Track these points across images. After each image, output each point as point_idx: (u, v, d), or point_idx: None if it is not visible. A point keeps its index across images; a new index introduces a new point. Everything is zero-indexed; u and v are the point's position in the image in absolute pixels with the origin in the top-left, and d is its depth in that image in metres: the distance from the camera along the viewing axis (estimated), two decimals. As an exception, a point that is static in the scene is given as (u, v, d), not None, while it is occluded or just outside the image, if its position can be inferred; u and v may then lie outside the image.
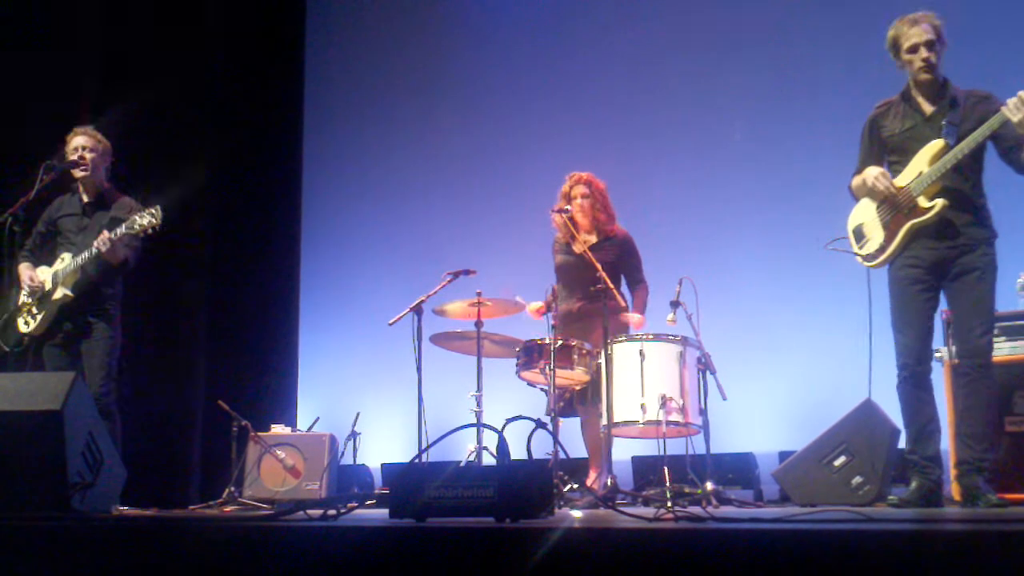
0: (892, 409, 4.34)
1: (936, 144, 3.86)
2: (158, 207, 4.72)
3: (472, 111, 7.68)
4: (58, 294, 4.88)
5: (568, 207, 5.24)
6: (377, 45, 8.18)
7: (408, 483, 2.64)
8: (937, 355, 4.07)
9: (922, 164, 3.88)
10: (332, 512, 2.79)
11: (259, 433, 5.97)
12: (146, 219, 4.70)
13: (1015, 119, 3.62)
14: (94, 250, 4.77)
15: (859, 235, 4.13)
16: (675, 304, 4.83)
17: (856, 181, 4.15)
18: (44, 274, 4.96)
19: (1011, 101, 3.64)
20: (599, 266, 4.87)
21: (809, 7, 6.68)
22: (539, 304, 5.20)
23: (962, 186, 3.85)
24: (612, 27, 7.34)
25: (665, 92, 7.04)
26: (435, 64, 7.93)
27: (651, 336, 4.78)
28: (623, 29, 7.29)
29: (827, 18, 6.49)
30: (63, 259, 4.94)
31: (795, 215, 6.13)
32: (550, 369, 4.72)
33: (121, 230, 4.74)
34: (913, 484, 3.84)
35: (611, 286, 4.81)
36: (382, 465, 6.73)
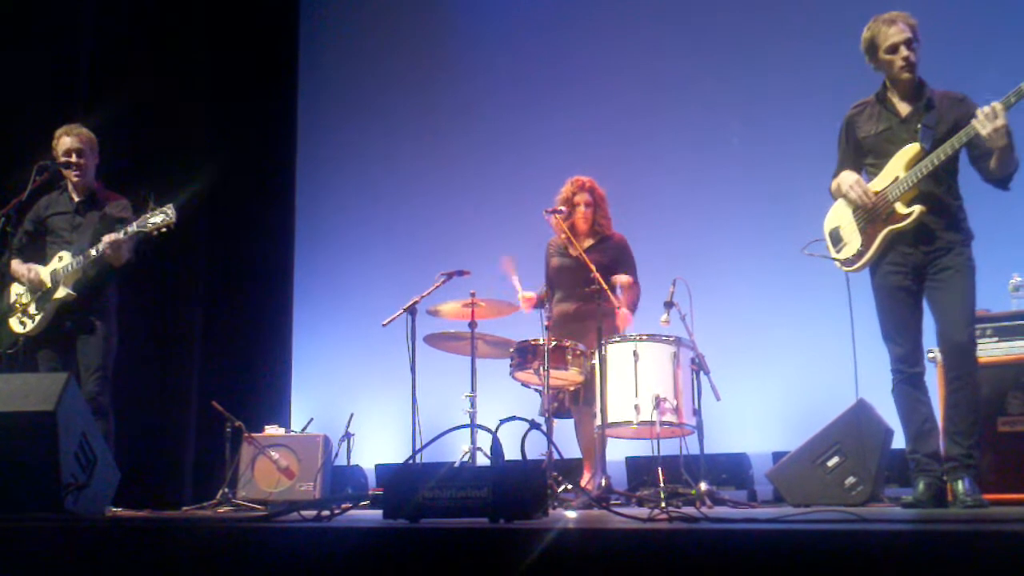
0: (885, 410, 4.35)
1: (912, 148, 3.86)
2: (171, 206, 4.70)
3: (466, 112, 7.68)
4: (60, 293, 4.85)
5: (563, 208, 5.25)
6: (372, 45, 8.18)
7: (402, 484, 2.63)
8: (930, 356, 4.07)
9: (898, 169, 3.88)
10: (326, 513, 2.78)
11: (253, 434, 5.96)
12: (159, 217, 4.68)
13: (984, 132, 3.61)
14: (97, 252, 4.75)
15: (836, 239, 4.12)
16: (669, 305, 4.84)
17: (834, 185, 4.15)
18: (41, 273, 4.94)
19: (980, 114, 3.63)
20: (594, 268, 4.88)
21: (803, 11, 6.70)
22: (531, 294, 5.20)
23: (937, 190, 3.85)
24: (608, 29, 7.35)
25: (661, 93, 7.05)
26: (430, 65, 7.93)
27: (645, 337, 4.79)
28: (619, 31, 7.30)
29: (822, 21, 6.50)
30: (61, 258, 4.91)
31: (789, 216, 6.12)
32: (544, 370, 4.73)
33: (132, 228, 4.72)
34: (920, 485, 3.82)
35: (605, 287, 4.82)
36: (376, 466, 6.73)
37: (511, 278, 5.26)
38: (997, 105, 3.61)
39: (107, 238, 4.72)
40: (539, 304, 5.13)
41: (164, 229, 4.71)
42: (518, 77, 7.58)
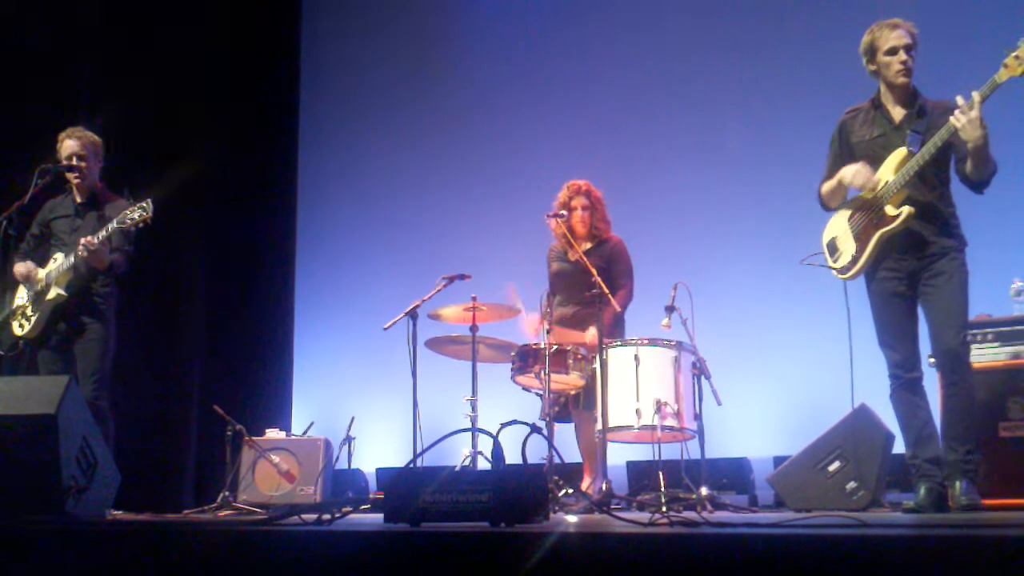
0: (886, 414, 4.34)
1: (900, 152, 3.88)
2: (148, 201, 4.71)
3: (468, 115, 7.68)
4: (52, 294, 4.86)
5: (564, 213, 5.25)
6: (373, 48, 8.18)
7: (403, 488, 2.64)
8: (930, 361, 4.07)
9: (888, 173, 3.90)
10: (327, 517, 2.79)
11: (254, 437, 5.96)
12: (137, 213, 4.69)
13: (959, 124, 3.64)
14: (75, 256, 4.76)
15: (832, 249, 4.15)
16: (670, 309, 4.84)
17: (828, 185, 4.15)
18: (39, 273, 4.95)
19: (958, 110, 3.66)
20: (595, 272, 4.88)
21: (805, 14, 6.70)
22: (536, 319, 5.18)
23: (929, 196, 3.87)
24: (608, 32, 7.36)
25: (660, 96, 7.05)
26: (431, 67, 7.94)
27: (646, 341, 4.79)
28: (619, 33, 7.31)
29: (823, 25, 6.50)
30: (56, 259, 4.93)
31: (791, 221, 6.12)
32: (545, 374, 4.72)
33: (112, 226, 4.73)
34: (922, 490, 3.82)
35: (606, 291, 4.82)
36: (377, 469, 6.72)
37: (515, 303, 5.25)
38: (975, 94, 3.64)
39: (82, 240, 4.73)
40: (544, 320, 5.12)
41: (142, 224, 4.72)
42: (518, 80, 7.58)
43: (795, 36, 6.70)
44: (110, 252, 4.87)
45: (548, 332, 4.88)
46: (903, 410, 3.92)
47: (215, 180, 7.44)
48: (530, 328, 5.25)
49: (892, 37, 3.91)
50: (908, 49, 3.90)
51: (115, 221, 4.73)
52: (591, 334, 5.02)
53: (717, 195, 6.72)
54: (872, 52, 3.98)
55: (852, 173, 3.99)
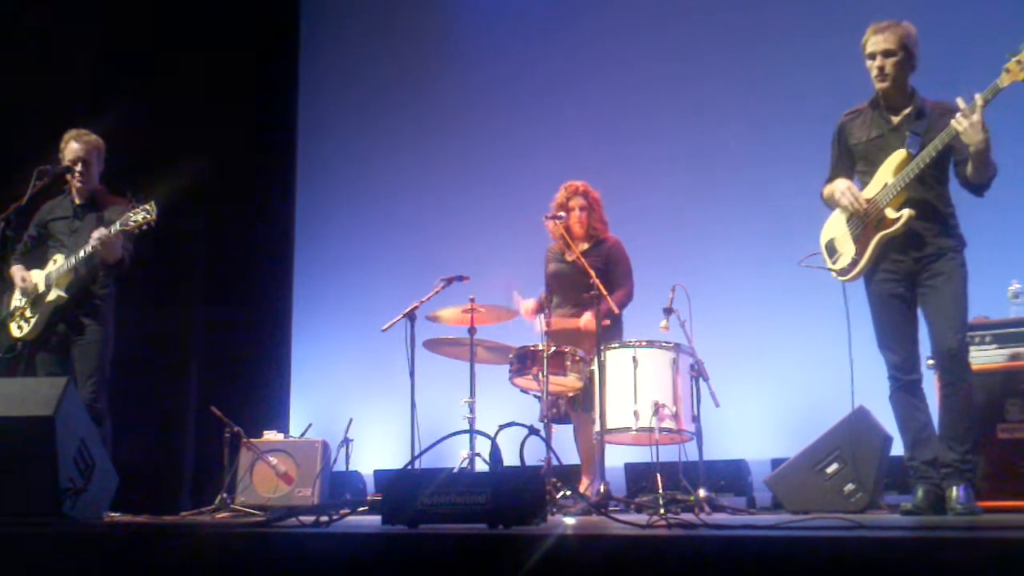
0: (884, 416, 4.34)
1: (899, 154, 3.88)
2: (152, 203, 4.70)
3: (466, 116, 7.69)
4: (51, 295, 4.86)
5: (562, 214, 5.25)
6: (372, 49, 8.19)
7: (401, 490, 2.64)
8: (929, 363, 4.07)
9: (887, 175, 3.90)
10: (324, 519, 2.78)
11: (251, 439, 5.95)
12: (140, 215, 4.68)
13: (961, 128, 3.65)
14: (90, 247, 4.75)
15: (831, 250, 4.14)
16: (668, 311, 4.84)
17: (827, 191, 4.17)
18: (36, 277, 4.95)
19: (959, 113, 3.66)
20: (593, 273, 4.88)
21: (806, 15, 6.70)
22: (532, 303, 5.19)
23: (928, 196, 3.87)
24: (607, 32, 7.36)
25: (659, 98, 7.05)
26: (429, 69, 7.94)
27: (644, 343, 4.79)
28: (618, 34, 7.31)
29: (824, 26, 6.50)
30: (55, 260, 4.92)
31: (789, 223, 6.12)
32: (543, 375, 4.72)
33: (116, 227, 4.73)
34: (919, 492, 3.82)
35: (604, 292, 4.81)
36: (375, 471, 6.72)
37: (516, 302, 5.26)
38: (977, 97, 3.64)
39: (96, 233, 4.72)
40: (540, 310, 5.13)
41: (145, 227, 4.71)
42: (518, 80, 7.58)
43: (795, 36, 6.70)
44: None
45: (547, 334, 4.88)
46: (902, 412, 3.92)
47: (214, 180, 7.43)
48: (526, 310, 5.23)
49: (873, 41, 3.92)
50: (886, 54, 3.89)
51: (118, 223, 4.72)
52: (586, 319, 5.03)
53: (716, 196, 6.72)
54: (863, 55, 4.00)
55: (839, 193, 4.01)
